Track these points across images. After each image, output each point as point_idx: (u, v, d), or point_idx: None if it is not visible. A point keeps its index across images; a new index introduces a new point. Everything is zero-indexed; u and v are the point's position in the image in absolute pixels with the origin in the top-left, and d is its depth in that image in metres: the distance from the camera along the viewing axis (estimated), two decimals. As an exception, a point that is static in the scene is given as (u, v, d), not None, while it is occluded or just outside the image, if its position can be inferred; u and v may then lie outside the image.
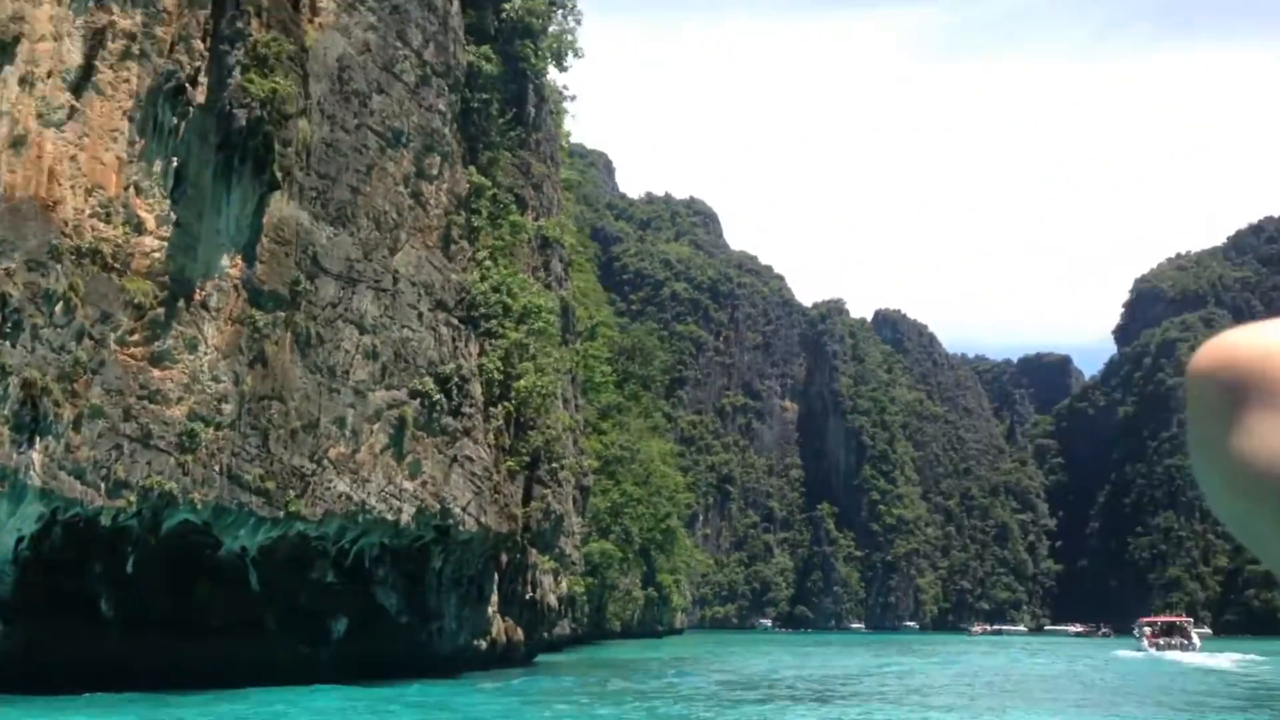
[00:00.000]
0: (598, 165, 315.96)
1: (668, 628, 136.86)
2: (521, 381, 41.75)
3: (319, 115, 32.73)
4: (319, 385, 33.43)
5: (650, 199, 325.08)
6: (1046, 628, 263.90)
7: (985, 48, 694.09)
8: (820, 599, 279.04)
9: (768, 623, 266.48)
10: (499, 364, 40.65)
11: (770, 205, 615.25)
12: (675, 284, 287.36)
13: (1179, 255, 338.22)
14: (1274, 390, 0.43)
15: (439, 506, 37.75)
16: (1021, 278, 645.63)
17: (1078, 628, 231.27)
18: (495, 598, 44.27)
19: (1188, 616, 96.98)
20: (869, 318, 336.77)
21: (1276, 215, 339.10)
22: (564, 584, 59.23)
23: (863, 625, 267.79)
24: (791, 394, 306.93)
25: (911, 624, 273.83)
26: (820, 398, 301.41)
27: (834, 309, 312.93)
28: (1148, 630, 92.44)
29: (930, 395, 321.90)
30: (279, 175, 30.39)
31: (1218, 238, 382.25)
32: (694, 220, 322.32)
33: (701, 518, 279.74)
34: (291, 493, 33.01)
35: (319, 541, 35.59)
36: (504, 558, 47.26)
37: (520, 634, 49.62)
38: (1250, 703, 39.58)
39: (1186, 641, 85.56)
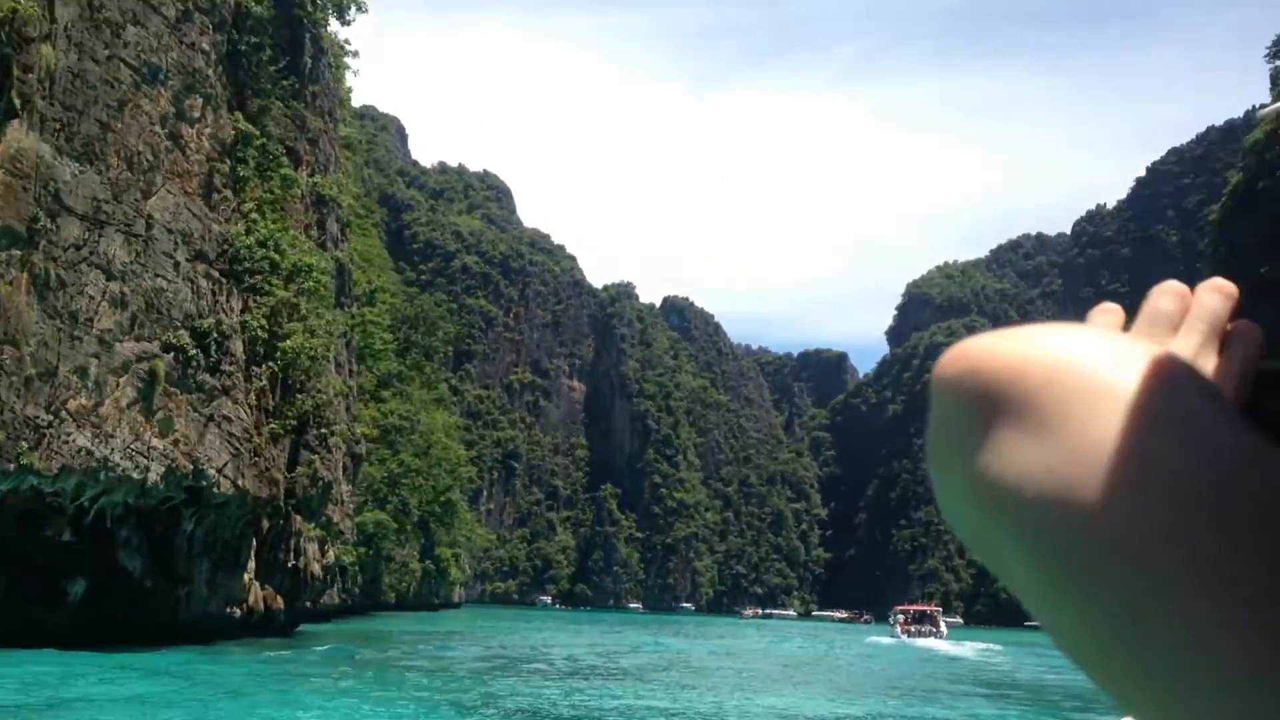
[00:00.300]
0: (390, 130, 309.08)
1: (444, 601, 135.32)
2: (288, 342, 40.05)
3: (66, 42, 30.37)
4: (58, 332, 31.17)
5: (444, 169, 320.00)
6: (814, 613, 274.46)
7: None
8: (601, 578, 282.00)
9: (548, 600, 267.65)
10: (263, 322, 38.85)
11: (565, 186, 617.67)
12: (466, 256, 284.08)
13: (947, 264, 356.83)
14: (1023, 407, 0.40)
15: (191, 467, 35.89)
16: (807, 275, 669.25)
17: (842, 614, 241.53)
18: (253, 564, 42.47)
19: (938, 606, 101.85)
20: (658, 304, 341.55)
21: (1033, 234, 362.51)
22: (331, 553, 57.53)
23: (640, 605, 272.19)
24: (579, 374, 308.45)
25: (688, 605, 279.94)
26: (607, 379, 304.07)
27: (624, 292, 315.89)
28: (900, 618, 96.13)
29: (714, 383, 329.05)
30: (17, 103, 28.09)
31: (981, 250, 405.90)
32: (487, 194, 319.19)
33: (485, 493, 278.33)
34: (24, 444, 30.70)
35: (55, 498, 33.28)
36: (265, 523, 45.47)
37: (280, 602, 47.87)
38: (983, 686, 41.52)
39: (935, 629, 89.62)
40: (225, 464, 37.13)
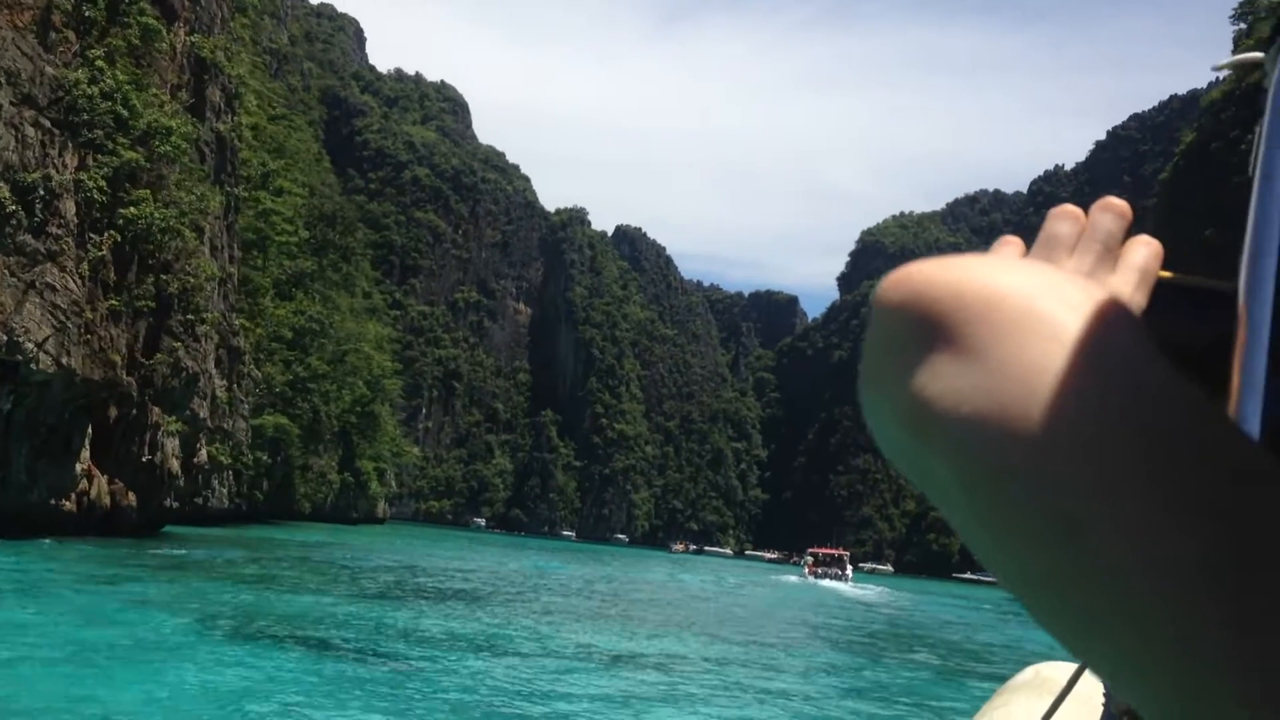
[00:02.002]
0: (347, 31, 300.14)
1: (364, 515, 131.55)
2: (133, 209, 35.84)
3: None
4: None
5: (400, 76, 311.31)
6: (747, 552, 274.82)
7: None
8: (536, 504, 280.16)
9: (481, 522, 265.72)
10: (103, 184, 34.59)
11: (523, 106, 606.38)
12: (417, 168, 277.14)
13: (903, 214, 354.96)
14: (962, 333, 0.42)
15: (5, 338, 31.92)
16: (764, 218, 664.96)
17: (773, 555, 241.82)
18: (87, 453, 38.53)
19: (846, 551, 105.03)
20: (610, 232, 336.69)
21: (990, 190, 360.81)
22: (204, 451, 53.67)
23: (574, 534, 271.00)
24: (526, 297, 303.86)
25: (622, 537, 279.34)
26: (554, 304, 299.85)
27: (576, 218, 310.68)
28: (809, 560, 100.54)
29: (662, 317, 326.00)
30: None
31: (938, 204, 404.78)
32: (444, 106, 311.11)
33: (425, 410, 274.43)
34: None
35: None
36: (112, 411, 41.53)
37: (133, 499, 44.09)
38: (845, 618, 39.92)
39: (841, 573, 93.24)
40: (47, 339, 33.12)
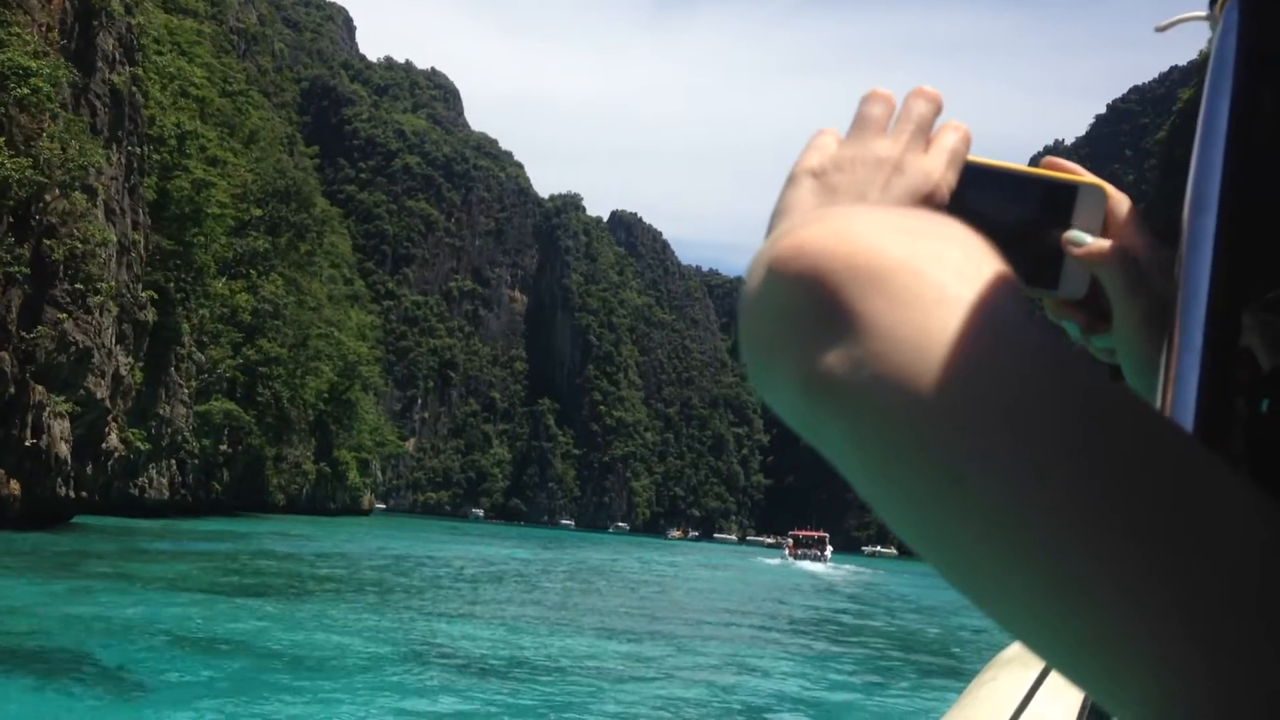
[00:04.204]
0: (336, 20, 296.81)
1: (344, 506, 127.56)
2: (-22, 158, 32.36)
3: None
4: None
5: (390, 64, 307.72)
6: (749, 538, 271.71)
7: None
8: (535, 493, 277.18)
9: (480, 513, 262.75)
10: (-66, 129, 31.08)
11: (515, 92, 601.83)
12: (408, 156, 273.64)
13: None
14: (858, 305, 0.45)
15: None
16: (762, 204, 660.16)
17: (770, 540, 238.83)
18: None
19: (825, 534, 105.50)
20: (605, 217, 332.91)
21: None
22: (114, 436, 50.13)
23: (574, 523, 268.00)
24: (521, 285, 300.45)
25: (623, 525, 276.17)
26: (550, 292, 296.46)
27: (570, 204, 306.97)
28: (790, 542, 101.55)
29: (660, 302, 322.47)
30: None
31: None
32: (434, 93, 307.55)
33: (420, 401, 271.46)
34: None
35: None
36: (-17, 388, 38.05)
37: (15, 487, 40.53)
38: (805, 594, 36.69)
39: (819, 554, 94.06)
40: None
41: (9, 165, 33.05)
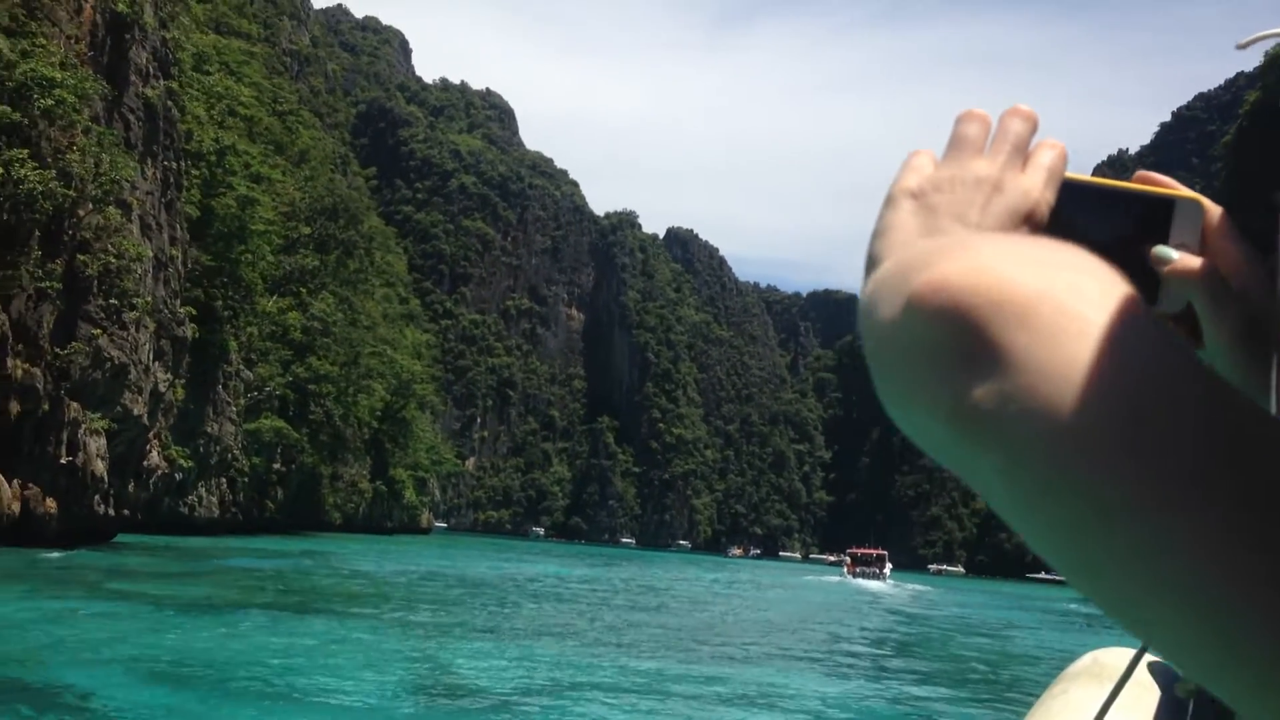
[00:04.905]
0: (393, 44, 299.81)
1: (401, 525, 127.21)
2: (-1, 170, 31.76)
3: None
4: None
5: (445, 85, 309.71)
6: (811, 556, 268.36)
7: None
8: (596, 512, 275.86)
9: (540, 531, 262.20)
10: (-49, 140, 30.47)
11: (569, 111, 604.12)
12: (464, 176, 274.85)
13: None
14: (1003, 339, 0.46)
15: None
16: (820, 218, 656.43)
17: (832, 558, 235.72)
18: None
19: (884, 551, 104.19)
20: (661, 234, 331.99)
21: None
22: (155, 453, 49.64)
23: (634, 541, 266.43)
24: (578, 302, 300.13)
25: (684, 543, 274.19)
26: (607, 309, 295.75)
27: (626, 221, 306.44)
28: (848, 560, 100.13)
29: (717, 319, 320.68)
30: None
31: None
32: (489, 114, 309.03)
33: (480, 420, 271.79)
34: None
35: None
36: (14, 407, 37.47)
37: (51, 505, 39.91)
38: (852, 613, 34.87)
39: (879, 571, 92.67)
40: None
41: (32, 178, 32.44)
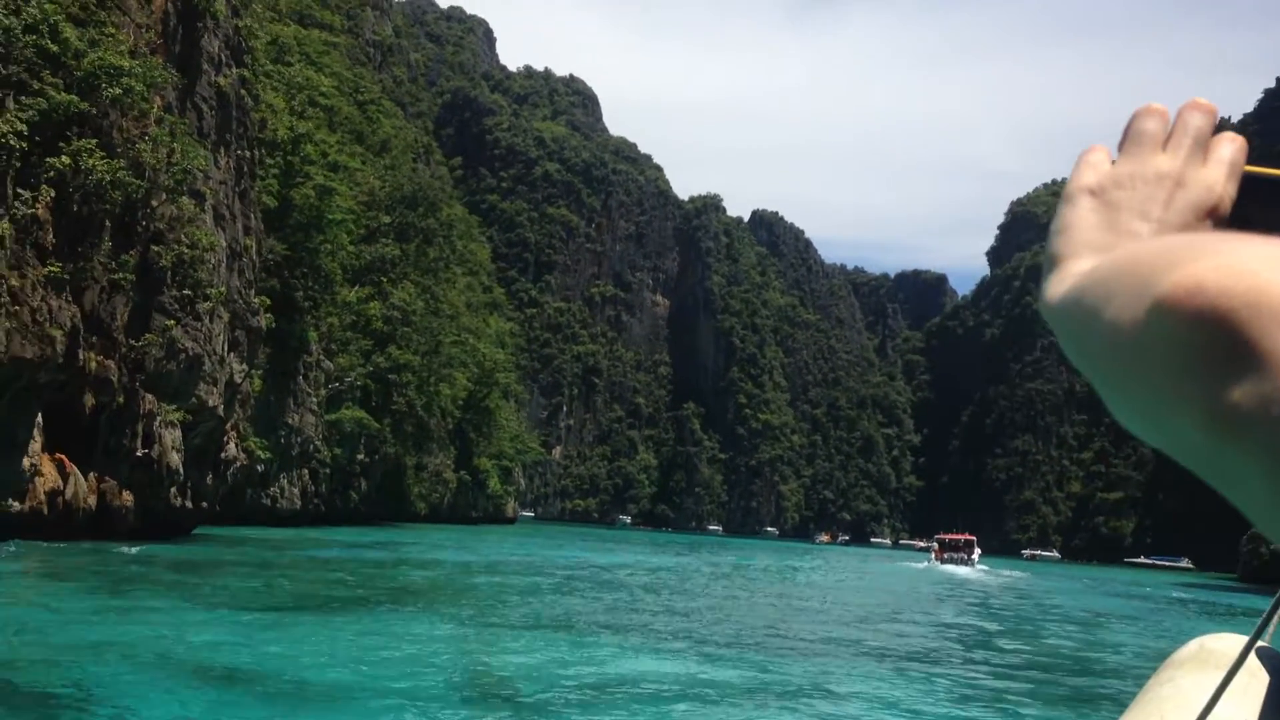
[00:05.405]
0: (476, 32, 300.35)
1: (486, 514, 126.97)
2: (64, 159, 30.99)
3: None
4: None
5: (529, 73, 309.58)
6: (901, 542, 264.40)
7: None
8: (682, 499, 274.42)
9: (627, 519, 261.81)
10: (23, 128, 29.78)
11: (653, 95, 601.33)
12: (548, 164, 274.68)
13: (1055, 181, 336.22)
14: (1263, 342, 0.44)
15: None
16: (906, 197, 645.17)
17: (922, 544, 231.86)
18: (38, 446, 33.89)
19: (972, 536, 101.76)
20: (745, 217, 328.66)
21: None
22: (233, 445, 49.16)
23: (721, 528, 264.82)
24: (663, 288, 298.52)
25: (772, 530, 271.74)
26: (692, 294, 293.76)
27: (710, 205, 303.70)
28: (936, 545, 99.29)
29: (803, 302, 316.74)
30: None
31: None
32: (572, 100, 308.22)
33: (566, 408, 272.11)
34: None
35: None
36: (90, 400, 36.97)
37: (127, 498, 39.50)
38: (938, 600, 32.75)
39: (967, 557, 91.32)
40: (-48, 310, 28.41)
41: (100, 168, 31.70)
